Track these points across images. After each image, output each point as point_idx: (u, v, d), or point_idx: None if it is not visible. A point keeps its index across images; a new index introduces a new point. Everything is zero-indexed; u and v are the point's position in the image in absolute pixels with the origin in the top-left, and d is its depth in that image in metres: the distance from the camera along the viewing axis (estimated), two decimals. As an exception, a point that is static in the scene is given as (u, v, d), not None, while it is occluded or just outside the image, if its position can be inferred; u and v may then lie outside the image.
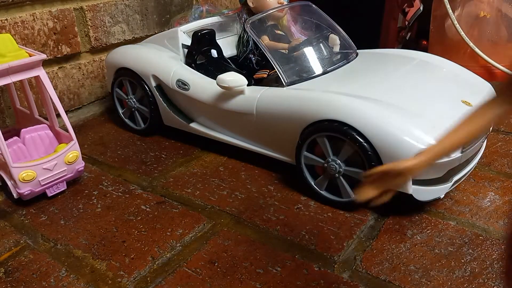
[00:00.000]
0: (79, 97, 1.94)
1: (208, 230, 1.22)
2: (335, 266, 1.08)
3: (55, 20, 1.76)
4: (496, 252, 1.10)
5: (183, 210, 1.31)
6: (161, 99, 1.64)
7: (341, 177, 1.26)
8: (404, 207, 1.26)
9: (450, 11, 2.10)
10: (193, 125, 1.61)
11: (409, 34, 2.49)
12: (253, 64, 1.62)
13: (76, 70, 1.90)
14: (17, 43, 1.36)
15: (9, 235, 1.23)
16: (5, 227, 1.27)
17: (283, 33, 1.62)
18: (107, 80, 1.88)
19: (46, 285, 1.06)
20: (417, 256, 1.10)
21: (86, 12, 1.85)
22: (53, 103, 1.40)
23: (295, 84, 1.39)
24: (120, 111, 1.82)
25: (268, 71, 1.55)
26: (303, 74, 1.43)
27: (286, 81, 1.39)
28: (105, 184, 1.46)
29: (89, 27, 1.88)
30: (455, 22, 2.10)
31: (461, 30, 2.09)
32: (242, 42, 1.66)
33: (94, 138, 1.77)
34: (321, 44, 1.52)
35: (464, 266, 1.06)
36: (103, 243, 1.18)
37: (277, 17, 1.62)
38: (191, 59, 1.66)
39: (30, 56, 1.32)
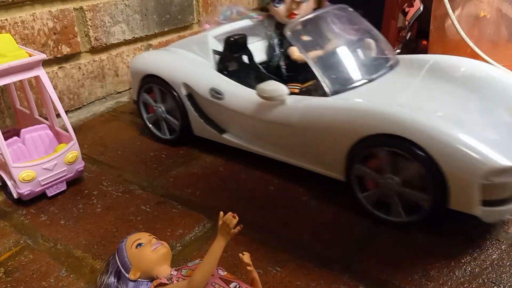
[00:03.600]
0: (79, 97, 1.94)
1: (208, 230, 1.22)
2: (335, 266, 1.08)
3: (55, 20, 1.76)
4: (496, 252, 1.10)
5: (183, 210, 1.31)
6: (192, 108, 1.55)
7: (395, 196, 1.16)
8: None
9: (450, 11, 2.10)
10: (225, 136, 1.52)
11: (409, 34, 2.49)
12: (284, 71, 1.55)
13: (76, 70, 1.90)
14: (17, 43, 1.36)
15: (9, 235, 1.23)
16: (5, 227, 1.27)
17: (321, 38, 1.51)
18: (132, 87, 1.76)
19: (46, 285, 1.06)
20: (417, 256, 1.10)
21: (86, 12, 1.85)
22: (53, 103, 1.40)
23: (339, 93, 1.28)
24: (145, 116, 1.72)
25: (300, 85, 1.45)
26: (346, 83, 1.32)
27: (330, 90, 1.28)
28: (105, 184, 1.46)
29: (89, 27, 1.88)
30: (455, 22, 2.09)
31: (461, 30, 2.09)
32: (272, 48, 1.59)
33: (94, 138, 1.77)
34: (361, 50, 1.42)
35: (464, 266, 1.06)
36: (103, 243, 1.18)
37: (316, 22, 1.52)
38: (222, 66, 1.57)
39: (30, 56, 1.32)
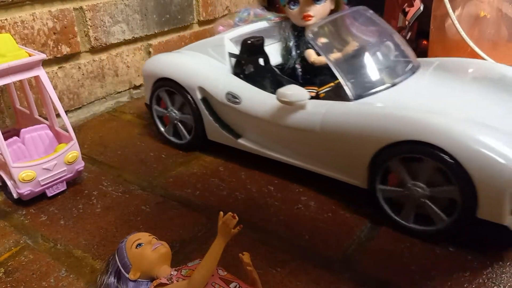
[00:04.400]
0: (79, 97, 1.94)
1: (208, 230, 1.22)
2: (335, 266, 1.08)
3: (55, 20, 1.76)
4: (496, 252, 1.10)
5: (183, 210, 1.31)
6: (206, 112, 1.51)
7: (427, 201, 1.12)
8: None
9: (450, 11, 2.10)
10: (241, 141, 1.48)
11: (409, 34, 2.49)
12: (300, 74, 1.53)
13: (76, 70, 1.90)
14: (17, 43, 1.36)
15: (9, 235, 1.23)
16: (5, 227, 1.27)
17: (342, 41, 1.47)
18: (145, 92, 1.73)
19: (46, 285, 1.06)
20: (417, 256, 1.10)
21: (86, 12, 1.85)
22: (53, 103, 1.40)
23: (362, 98, 1.24)
24: (162, 128, 1.69)
25: (316, 88, 1.44)
26: (369, 87, 1.27)
27: (353, 94, 1.24)
28: (105, 184, 1.46)
29: (89, 27, 1.88)
30: (455, 22, 2.09)
31: (461, 30, 2.09)
32: (288, 50, 1.56)
33: (94, 138, 1.77)
34: (383, 53, 1.38)
35: (464, 266, 1.06)
36: (103, 243, 1.18)
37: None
38: (239, 69, 1.53)
39: (30, 56, 1.32)
